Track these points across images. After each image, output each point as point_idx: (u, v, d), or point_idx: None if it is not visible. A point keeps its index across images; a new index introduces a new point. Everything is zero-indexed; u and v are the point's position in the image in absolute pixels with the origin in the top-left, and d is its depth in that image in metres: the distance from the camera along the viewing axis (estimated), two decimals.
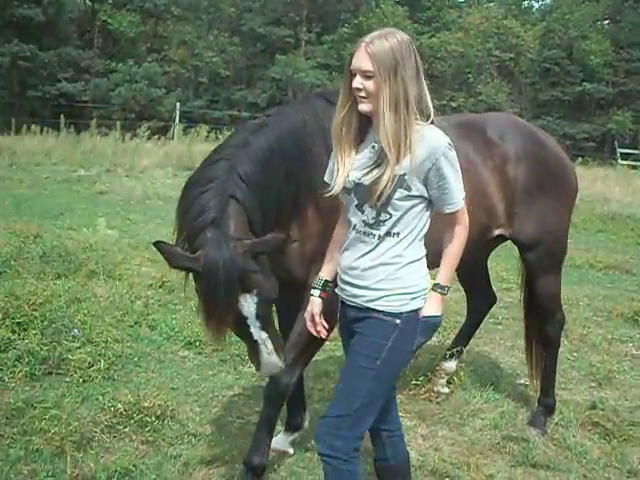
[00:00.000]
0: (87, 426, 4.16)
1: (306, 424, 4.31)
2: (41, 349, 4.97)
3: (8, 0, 30.90)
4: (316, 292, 3.08)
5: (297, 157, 3.43)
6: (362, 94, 2.69)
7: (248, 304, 3.02)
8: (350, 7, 44.33)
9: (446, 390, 5.10)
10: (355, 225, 2.84)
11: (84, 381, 4.79)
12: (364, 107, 2.71)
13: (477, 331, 5.61)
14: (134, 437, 4.12)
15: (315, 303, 3.08)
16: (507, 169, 4.29)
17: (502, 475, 4.05)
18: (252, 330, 3.10)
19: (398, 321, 2.77)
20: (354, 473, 2.85)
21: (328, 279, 3.08)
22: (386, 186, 2.67)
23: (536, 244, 4.46)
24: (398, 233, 2.76)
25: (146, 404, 4.33)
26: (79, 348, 5.09)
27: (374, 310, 2.80)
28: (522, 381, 5.40)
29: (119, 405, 4.35)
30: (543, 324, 4.73)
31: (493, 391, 5.18)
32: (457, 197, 2.80)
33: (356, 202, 2.81)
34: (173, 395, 4.71)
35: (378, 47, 2.63)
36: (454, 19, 46.87)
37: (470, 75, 43.09)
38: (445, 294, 2.87)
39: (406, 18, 42.84)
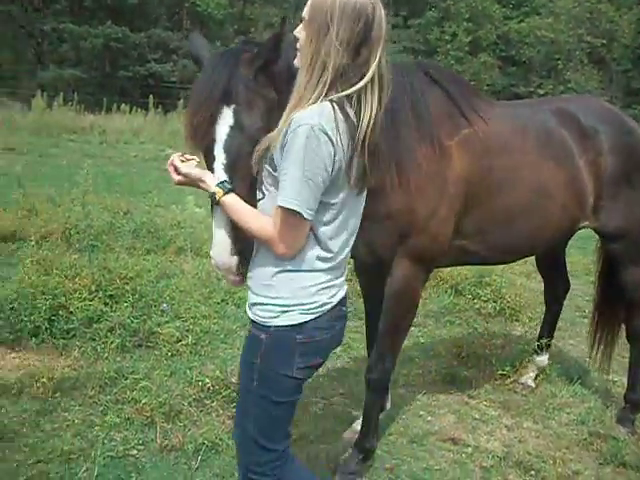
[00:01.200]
0: (175, 399, 4.26)
1: (388, 406, 4.32)
2: (132, 322, 5.13)
3: None
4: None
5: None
6: (297, 45, 2.32)
7: (223, 120, 2.45)
8: None
9: (532, 384, 5.02)
10: None
11: (172, 355, 4.91)
12: (295, 61, 2.34)
13: (563, 324, 5.49)
14: (221, 412, 4.20)
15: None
16: (599, 161, 4.17)
17: (589, 472, 3.96)
18: (215, 165, 2.47)
19: (264, 336, 2.35)
20: None
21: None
22: (259, 159, 2.33)
23: (623, 235, 4.34)
24: None
25: (233, 380, 4.40)
26: (168, 322, 5.22)
27: (251, 319, 2.44)
28: (610, 377, 5.24)
29: (207, 380, 4.44)
30: (630, 316, 4.60)
31: (580, 385, 5.07)
32: (287, 192, 2.19)
33: None
34: None
35: None
36: (544, 3, 45.47)
37: (559, 62, 41.87)
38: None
39: (494, 2, 41.90)
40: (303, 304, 2.32)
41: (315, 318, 2.34)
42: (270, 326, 2.33)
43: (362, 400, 3.85)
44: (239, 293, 6.18)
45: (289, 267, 2.31)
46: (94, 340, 4.97)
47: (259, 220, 2.30)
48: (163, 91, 30.87)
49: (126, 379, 4.48)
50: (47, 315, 5.00)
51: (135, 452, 3.74)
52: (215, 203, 2.39)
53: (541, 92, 39.36)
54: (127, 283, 5.51)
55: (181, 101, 24.27)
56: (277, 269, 2.33)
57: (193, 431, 3.96)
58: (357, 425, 3.98)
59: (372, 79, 2.25)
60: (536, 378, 5.08)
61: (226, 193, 2.37)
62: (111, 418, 3.99)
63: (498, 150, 3.74)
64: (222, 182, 2.39)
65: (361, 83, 2.23)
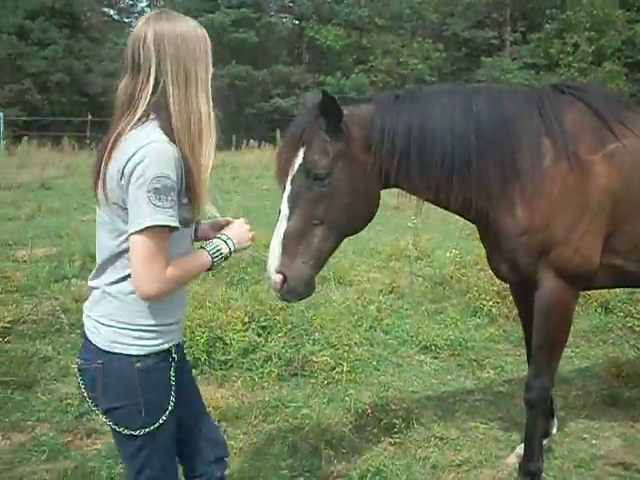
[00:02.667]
0: (336, 426, 4.33)
1: (554, 431, 4.20)
2: (286, 351, 5.27)
3: (226, 26, 33.02)
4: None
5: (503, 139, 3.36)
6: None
7: (298, 158, 3.11)
8: (555, 1, 42.67)
9: None
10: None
11: (328, 383, 4.99)
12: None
13: None
14: (382, 438, 4.23)
15: None
16: None
17: None
18: (283, 195, 3.16)
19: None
20: None
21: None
22: None
23: None
24: None
25: (392, 407, 4.43)
26: (321, 351, 5.32)
27: None
28: None
29: (365, 406, 4.49)
30: None
31: None
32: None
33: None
34: (415, 398, 4.79)
35: None
36: None
37: None
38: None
39: (617, 6, 40.42)
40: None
41: None
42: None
43: (522, 424, 3.78)
44: (386, 320, 6.23)
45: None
46: (251, 370, 5.13)
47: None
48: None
49: (287, 407, 4.60)
50: (205, 347, 5.21)
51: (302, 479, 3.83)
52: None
53: None
54: (278, 314, 5.67)
55: None
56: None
57: (356, 458, 4.01)
58: (520, 449, 3.91)
59: None
60: None
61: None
62: (277, 446, 4.09)
63: None
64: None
65: None
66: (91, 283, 2.43)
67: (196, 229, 2.62)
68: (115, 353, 2.34)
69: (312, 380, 5.04)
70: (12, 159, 21.74)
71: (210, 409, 4.40)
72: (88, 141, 28.49)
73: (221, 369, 5.16)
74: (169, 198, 2.19)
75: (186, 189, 2.31)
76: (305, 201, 3.14)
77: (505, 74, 37.55)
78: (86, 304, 2.47)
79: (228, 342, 5.30)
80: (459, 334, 5.83)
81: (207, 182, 2.37)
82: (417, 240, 8.62)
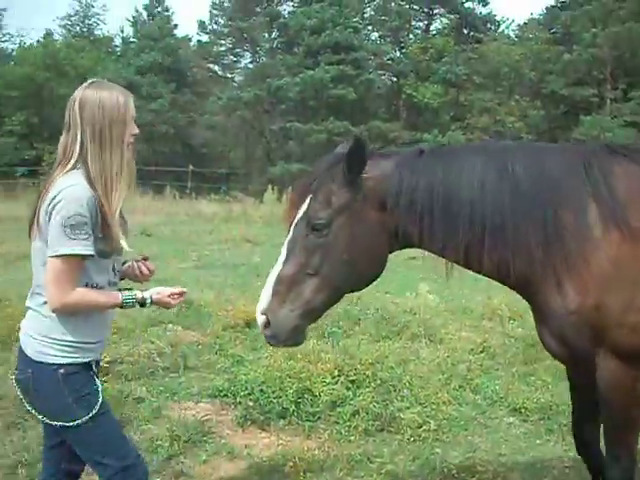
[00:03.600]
0: None
1: None
2: (374, 406, 5.26)
3: (325, 83, 33.80)
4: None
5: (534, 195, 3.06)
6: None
7: (304, 205, 3.10)
8: None
9: None
10: (108, 283, 2.94)
11: (415, 440, 4.95)
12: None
13: None
14: None
15: None
16: None
17: None
18: (284, 240, 3.16)
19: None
20: None
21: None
22: None
23: None
24: None
25: (479, 468, 4.35)
26: (409, 408, 5.29)
27: None
28: None
29: (451, 467, 4.42)
30: None
31: None
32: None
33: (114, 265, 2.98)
34: (502, 462, 4.69)
35: None
36: None
37: None
38: None
39: None
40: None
41: None
42: None
43: None
44: (476, 379, 6.13)
45: None
46: (338, 423, 5.14)
47: None
48: None
49: (372, 462, 4.59)
50: (294, 398, 5.27)
51: None
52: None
53: None
54: (368, 368, 5.69)
55: None
56: None
57: None
58: None
59: None
60: None
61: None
62: None
63: None
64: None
65: None
66: (27, 304, 2.93)
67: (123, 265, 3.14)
68: (42, 362, 2.81)
69: (398, 436, 5.01)
70: None
71: (296, 460, 4.46)
72: (188, 191, 29.49)
73: (308, 420, 5.19)
74: (83, 231, 2.70)
75: (101, 225, 2.79)
76: (302, 249, 3.06)
77: (605, 132, 36.75)
78: (22, 322, 2.97)
79: (317, 394, 5.34)
80: (550, 397, 5.67)
81: (116, 220, 2.85)
82: (510, 300, 8.48)
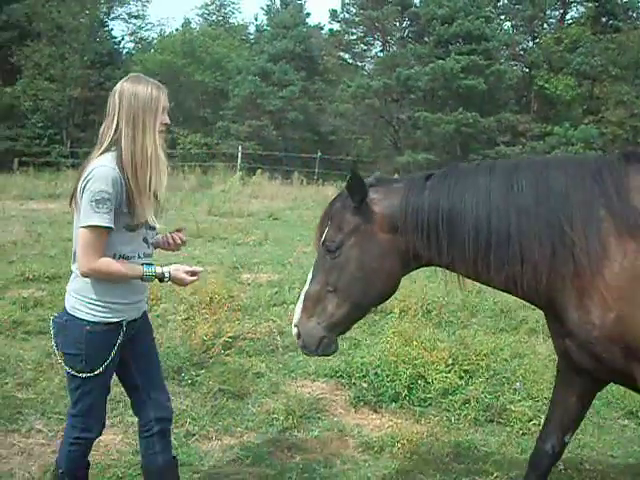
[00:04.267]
0: None
1: None
2: (485, 397, 5.32)
3: (455, 73, 33.40)
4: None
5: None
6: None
7: (325, 230, 3.44)
8: None
9: None
10: (138, 254, 3.32)
11: (524, 434, 4.98)
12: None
13: None
14: None
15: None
16: None
17: None
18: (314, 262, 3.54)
19: None
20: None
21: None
22: None
23: None
24: None
25: (587, 466, 4.36)
26: (520, 401, 5.32)
27: None
28: None
29: (559, 463, 4.41)
30: None
31: None
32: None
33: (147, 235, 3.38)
34: (612, 463, 4.66)
35: None
36: None
37: None
38: None
39: None
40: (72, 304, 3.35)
41: None
42: None
43: None
44: None
45: None
46: (448, 411, 5.25)
47: None
48: None
49: (478, 452, 4.67)
50: (407, 383, 5.42)
51: None
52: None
53: None
54: (482, 359, 5.75)
55: None
56: None
57: None
58: None
59: None
60: None
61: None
62: None
63: None
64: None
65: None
66: (72, 267, 3.32)
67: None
68: (74, 316, 3.26)
69: (507, 428, 5.06)
70: (246, 189, 23.43)
71: (404, 442, 4.61)
72: (315, 177, 29.99)
73: (420, 406, 5.32)
74: (105, 207, 3.09)
75: (127, 202, 3.16)
76: (322, 268, 3.42)
77: None
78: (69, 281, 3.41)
79: (430, 381, 5.47)
80: None
81: (147, 199, 3.22)
82: None
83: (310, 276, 3.47)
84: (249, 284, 8.96)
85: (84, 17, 42.11)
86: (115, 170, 3.14)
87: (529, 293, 3.18)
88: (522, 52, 40.51)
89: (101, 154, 3.22)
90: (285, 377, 5.81)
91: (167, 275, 3.33)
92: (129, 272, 3.23)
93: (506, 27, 42.26)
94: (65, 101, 38.30)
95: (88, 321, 3.24)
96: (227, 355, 6.05)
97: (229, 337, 6.17)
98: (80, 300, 3.26)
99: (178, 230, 3.68)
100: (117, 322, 3.30)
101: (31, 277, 9.20)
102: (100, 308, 3.25)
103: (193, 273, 3.41)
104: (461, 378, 5.57)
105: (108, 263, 3.17)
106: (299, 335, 3.47)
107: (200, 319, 6.52)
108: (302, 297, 3.45)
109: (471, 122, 32.91)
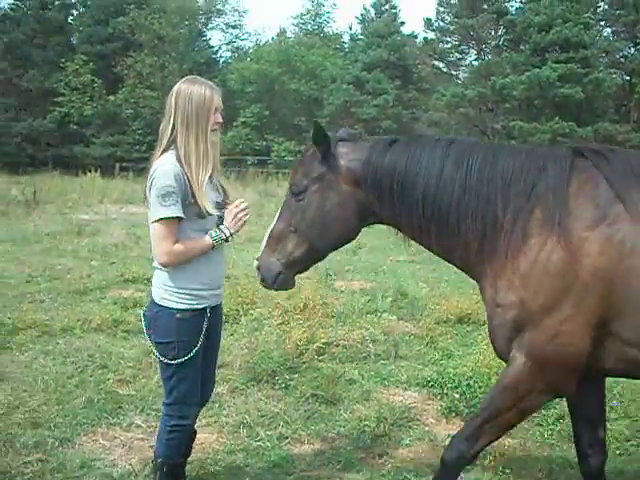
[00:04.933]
0: None
1: None
2: None
3: (551, 82, 32.72)
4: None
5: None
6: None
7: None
8: None
9: None
10: None
11: (620, 454, 4.84)
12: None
13: None
14: None
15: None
16: None
17: None
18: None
19: None
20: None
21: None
22: None
23: None
24: None
25: None
26: (617, 419, 5.19)
27: None
28: None
29: None
30: None
31: None
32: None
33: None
34: None
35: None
36: None
37: None
38: None
39: None
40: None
41: None
42: None
43: None
44: None
45: None
46: (541, 425, 5.16)
47: None
48: None
49: (572, 469, 4.56)
50: None
51: None
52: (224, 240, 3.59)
53: None
54: None
55: None
56: None
57: None
58: None
59: None
60: None
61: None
62: None
63: None
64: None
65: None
66: (153, 263, 3.59)
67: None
68: (163, 306, 3.52)
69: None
70: None
71: (496, 455, 4.58)
72: None
73: None
74: (171, 199, 3.34)
75: (191, 194, 3.40)
76: (288, 210, 3.65)
77: None
78: (153, 276, 3.67)
79: None
80: None
81: (203, 190, 3.44)
82: None
83: (276, 216, 3.70)
84: (342, 291, 9.06)
85: (184, 27, 43.45)
86: (176, 166, 3.40)
87: (462, 265, 3.51)
88: (622, 59, 39.28)
89: (161, 154, 3.49)
90: (377, 385, 5.86)
91: (227, 231, 3.57)
92: (201, 245, 3.50)
93: (606, 33, 41.12)
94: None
95: (177, 309, 3.51)
96: (320, 361, 6.15)
97: (322, 343, 6.27)
98: (168, 291, 3.52)
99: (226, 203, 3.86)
100: (202, 309, 3.57)
101: (130, 278, 9.64)
102: (186, 296, 3.52)
103: (242, 209, 3.63)
104: None
105: (179, 245, 3.43)
106: (258, 268, 3.70)
107: (294, 324, 6.66)
108: (267, 234, 3.67)
109: (567, 132, 32.17)
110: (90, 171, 29.40)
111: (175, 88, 3.50)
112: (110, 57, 43.02)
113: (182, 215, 3.41)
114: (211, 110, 3.49)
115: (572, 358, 3.13)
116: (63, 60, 42.64)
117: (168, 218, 3.38)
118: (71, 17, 47.99)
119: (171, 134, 3.47)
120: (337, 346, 6.54)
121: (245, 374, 5.78)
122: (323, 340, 6.30)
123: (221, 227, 3.57)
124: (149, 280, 9.44)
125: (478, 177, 3.29)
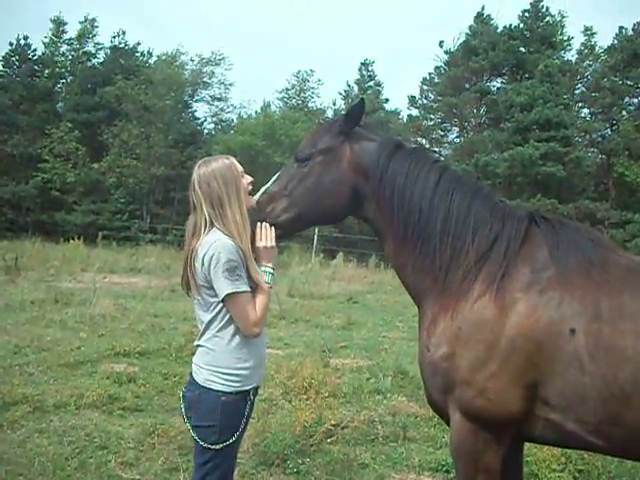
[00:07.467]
0: None
1: None
2: None
3: (534, 160, 33.34)
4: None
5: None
6: None
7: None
8: None
9: None
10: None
11: None
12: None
13: None
14: None
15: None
16: None
17: None
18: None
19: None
20: None
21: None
22: None
23: None
24: None
25: None
26: None
27: None
28: None
29: None
30: None
31: None
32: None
33: None
34: None
35: None
36: None
37: None
38: None
39: None
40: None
41: None
42: None
43: None
44: None
45: None
46: None
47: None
48: None
49: None
50: None
51: None
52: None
53: None
54: (597, 460, 5.44)
55: None
56: None
57: None
58: None
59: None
60: None
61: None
62: None
63: (607, 316, 2.95)
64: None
65: None
66: (196, 343, 3.46)
67: None
68: (208, 388, 3.34)
69: None
70: (322, 271, 23.53)
71: None
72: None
73: None
74: (237, 273, 3.25)
75: (246, 265, 3.32)
76: (287, 173, 3.66)
77: None
78: (194, 357, 3.49)
79: (542, 479, 5.20)
80: None
81: (252, 261, 3.37)
82: None
83: (274, 177, 3.69)
84: (338, 369, 8.85)
85: (170, 99, 43.90)
86: (230, 239, 3.31)
87: (417, 300, 3.52)
88: (600, 139, 40.19)
89: (205, 235, 3.37)
90: (389, 469, 5.61)
91: (269, 269, 3.51)
92: (264, 297, 3.41)
93: (583, 114, 42.18)
94: (147, 178, 39.69)
95: (223, 392, 3.33)
96: (329, 443, 5.91)
97: (331, 425, 6.06)
98: (213, 372, 3.35)
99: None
100: (247, 390, 3.41)
101: (122, 352, 9.37)
102: (233, 377, 3.35)
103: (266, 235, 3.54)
104: (575, 478, 5.29)
105: (258, 309, 3.35)
106: None
107: (302, 405, 6.43)
108: (261, 191, 3.65)
109: (549, 209, 32.53)
110: (73, 239, 29.06)
111: (195, 177, 3.43)
112: (96, 125, 43.27)
113: (249, 289, 3.34)
114: (238, 176, 3.45)
115: (505, 415, 3.06)
116: (49, 127, 42.81)
117: (239, 292, 3.28)
118: (59, 85, 48.41)
119: (206, 223, 3.39)
120: (345, 428, 6.30)
121: (255, 457, 5.52)
122: (332, 422, 6.08)
123: (262, 269, 3.48)
124: (141, 354, 9.25)
125: (457, 212, 3.38)
